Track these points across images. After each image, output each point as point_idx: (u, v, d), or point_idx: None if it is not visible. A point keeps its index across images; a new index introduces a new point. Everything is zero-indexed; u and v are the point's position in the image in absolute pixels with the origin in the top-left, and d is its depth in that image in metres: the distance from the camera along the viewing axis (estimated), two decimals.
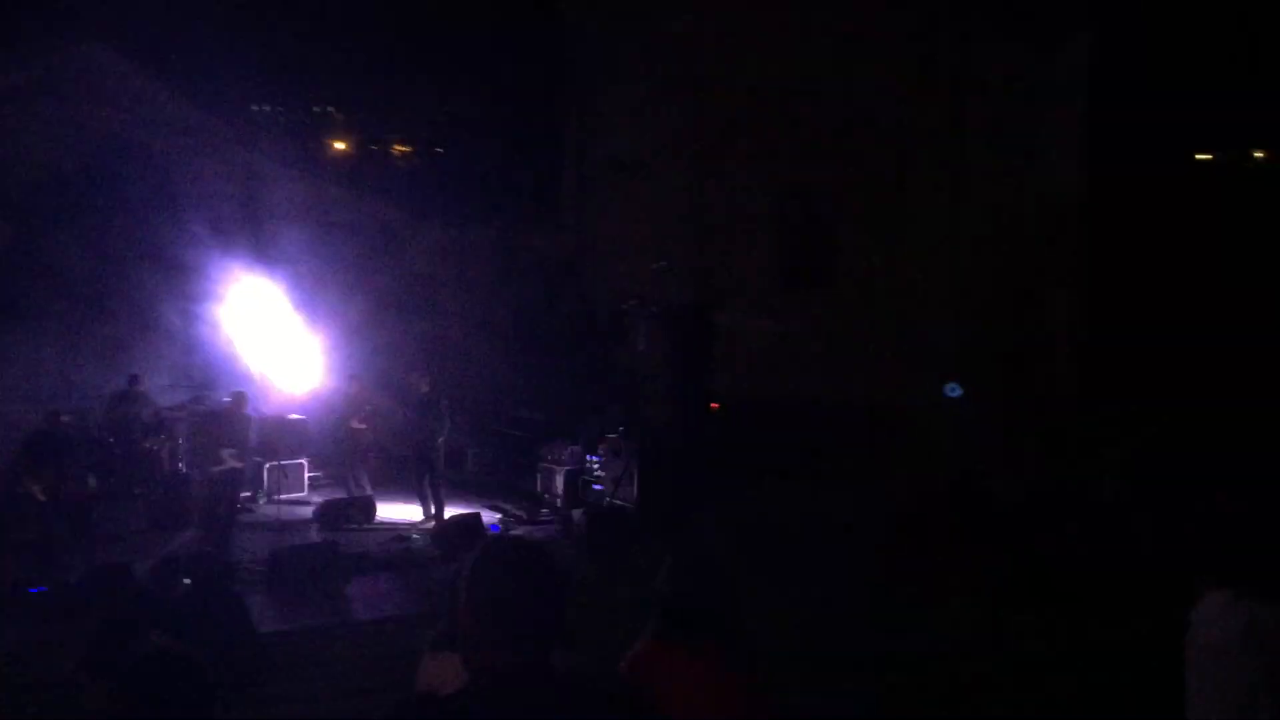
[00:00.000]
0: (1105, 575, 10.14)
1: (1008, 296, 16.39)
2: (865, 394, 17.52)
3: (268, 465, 14.42)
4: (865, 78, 17.58)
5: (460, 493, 14.49)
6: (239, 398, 12.63)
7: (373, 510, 13.62)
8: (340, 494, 14.02)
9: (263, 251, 17.06)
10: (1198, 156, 15.56)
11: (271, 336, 16.62)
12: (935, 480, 13.41)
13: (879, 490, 12.90)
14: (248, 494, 13.33)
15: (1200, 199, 14.18)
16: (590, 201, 19.83)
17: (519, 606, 2.47)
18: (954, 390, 15.81)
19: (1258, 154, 15.74)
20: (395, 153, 28.62)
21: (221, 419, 12.30)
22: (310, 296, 17.97)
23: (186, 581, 7.63)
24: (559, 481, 14.40)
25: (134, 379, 14.02)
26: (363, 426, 14.19)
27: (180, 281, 16.03)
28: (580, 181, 20.08)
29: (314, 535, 12.62)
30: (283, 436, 14.87)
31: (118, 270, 15.76)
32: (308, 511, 13.68)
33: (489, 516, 12.82)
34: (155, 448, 13.52)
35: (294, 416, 15.98)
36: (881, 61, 17.39)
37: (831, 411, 17.47)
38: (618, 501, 13.40)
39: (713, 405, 15.28)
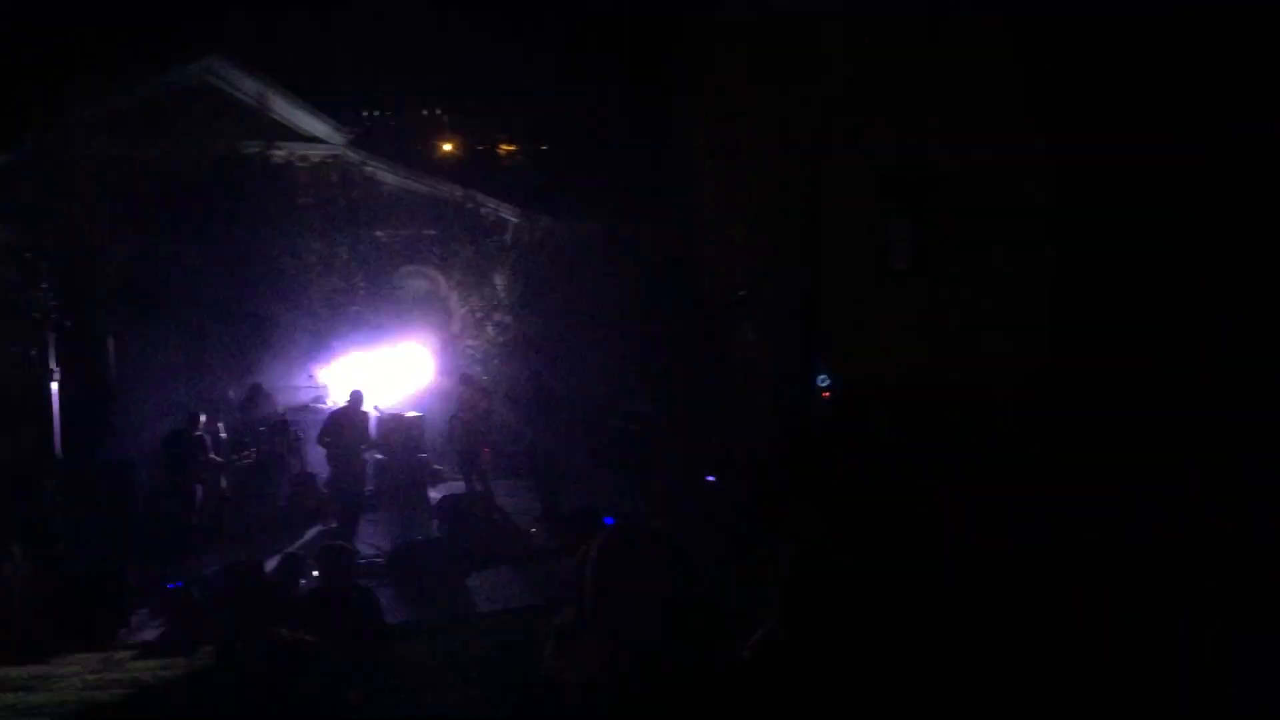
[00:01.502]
0: None
1: None
2: (984, 381, 17.12)
3: (387, 462, 14.73)
4: (976, 57, 17.15)
5: (575, 487, 14.58)
6: (357, 397, 12.93)
7: (491, 504, 13.82)
8: (459, 489, 14.24)
9: (373, 253, 17.47)
10: None
11: (388, 336, 17.03)
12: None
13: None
14: (369, 490, 13.64)
15: None
16: (696, 191, 19.76)
17: (647, 594, 2.44)
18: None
19: None
20: (501, 151, 29.05)
21: (341, 418, 12.60)
22: (426, 296, 18.35)
23: (314, 575, 7.83)
24: (674, 473, 14.35)
25: (255, 387, 14.49)
26: (477, 420, 14.36)
27: (298, 286, 16.52)
28: (686, 171, 20.02)
29: (434, 530, 12.85)
30: (401, 433, 15.15)
31: (242, 277, 16.27)
32: (429, 506, 13.94)
33: (604, 511, 12.86)
34: (280, 448, 13.92)
35: (411, 414, 16.28)
36: (988, 38, 16.93)
37: (948, 399, 17.12)
38: (731, 493, 13.31)
39: (824, 394, 15.09)
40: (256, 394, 14.51)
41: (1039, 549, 9.20)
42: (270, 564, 9.56)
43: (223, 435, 13.63)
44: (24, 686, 8.07)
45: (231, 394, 14.56)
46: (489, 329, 18.31)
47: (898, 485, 12.15)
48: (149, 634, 9.75)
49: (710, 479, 14.02)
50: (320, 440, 12.97)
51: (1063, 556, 8.59)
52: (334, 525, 12.15)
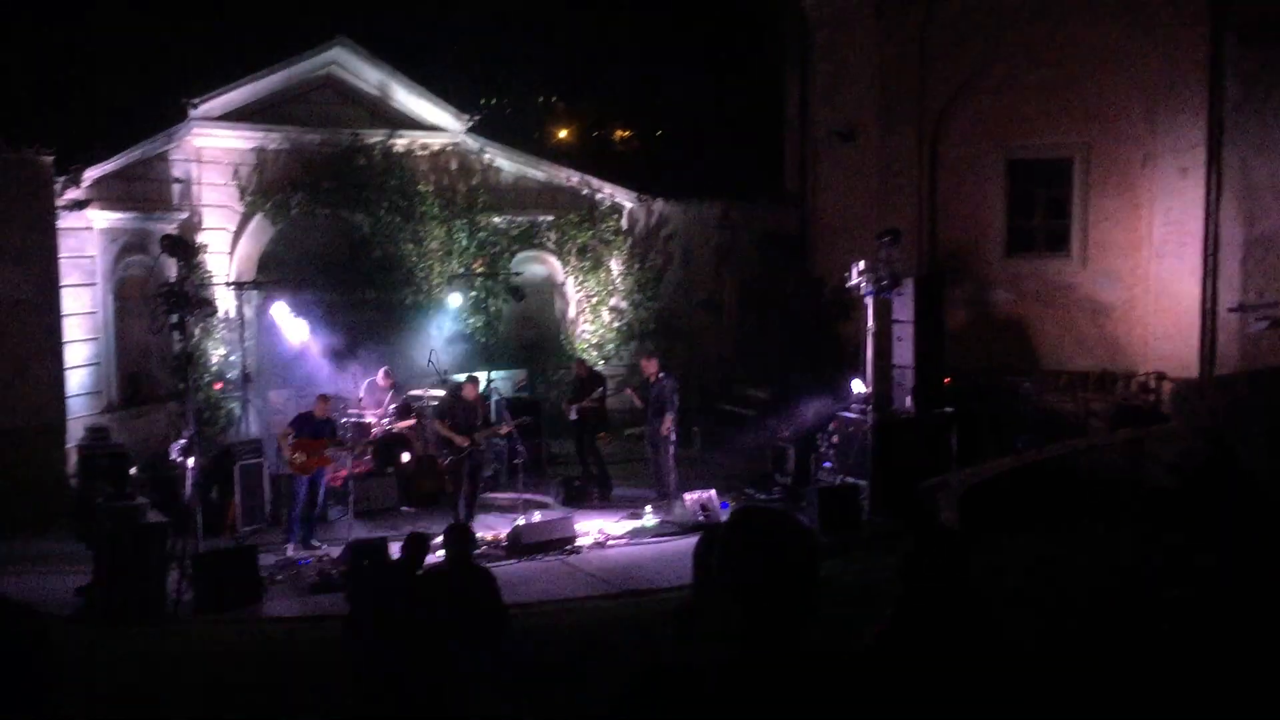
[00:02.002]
0: None
1: None
2: (1111, 365, 16.59)
3: (505, 446, 14.95)
4: (1107, 34, 16.59)
5: (689, 471, 14.58)
6: (473, 382, 13.15)
7: (608, 488, 13.93)
8: (576, 473, 14.38)
9: (491, 238, 17.71)
10: None
11: (505, 321, 17.30)
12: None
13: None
14: (488, 473, 13.87)
15: None
16: (814, 174, 19.53)
17: (772, 577, 2.41)
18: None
19: None
20: (616, 136, 29.17)
21: (458, 402, 12.82)
22: (542, 281, 18.54)
23: (438, 555, 7.99)
24: (790, 458, 14.25)
25: (387, 371, 14.87)
26: (592, 405, 14.47)
27: (419, 272, 16.86)
28: (803, 154, 19.79)
29: (553, 513, 13.01)
30: (518, 418, 15.35)
31: (365, 263, 16.70)
32: (546, 489, 14.12)
33: (720, 495, 12.85)
34: (405, 431, 14.26)
35: (526, 397, 16.51)
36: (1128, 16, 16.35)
37: (1072, 383, 16.64)
38: (850, 479, 13.16)
39: (945, 380, 14.77)
40: (383, 379, 14.86)
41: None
42: (394, 543, 9.81)
43: (346, 419, 14.00)
44: (171, 651, 8.46)
45: (364, 379, 14.95)
46: (604, 314, 18.42)
47: (1028, 476, 11.84)
48: (279, 607, 10.10)
49: (826, 464, 13.89)
50: (438, 424, 13.24)
51: None
52: (453, 506, 12.37)
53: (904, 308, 14.42)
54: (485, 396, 13.19)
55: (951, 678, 3.57)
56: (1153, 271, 16.54)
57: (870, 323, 14.12)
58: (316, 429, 11.97)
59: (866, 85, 18.03)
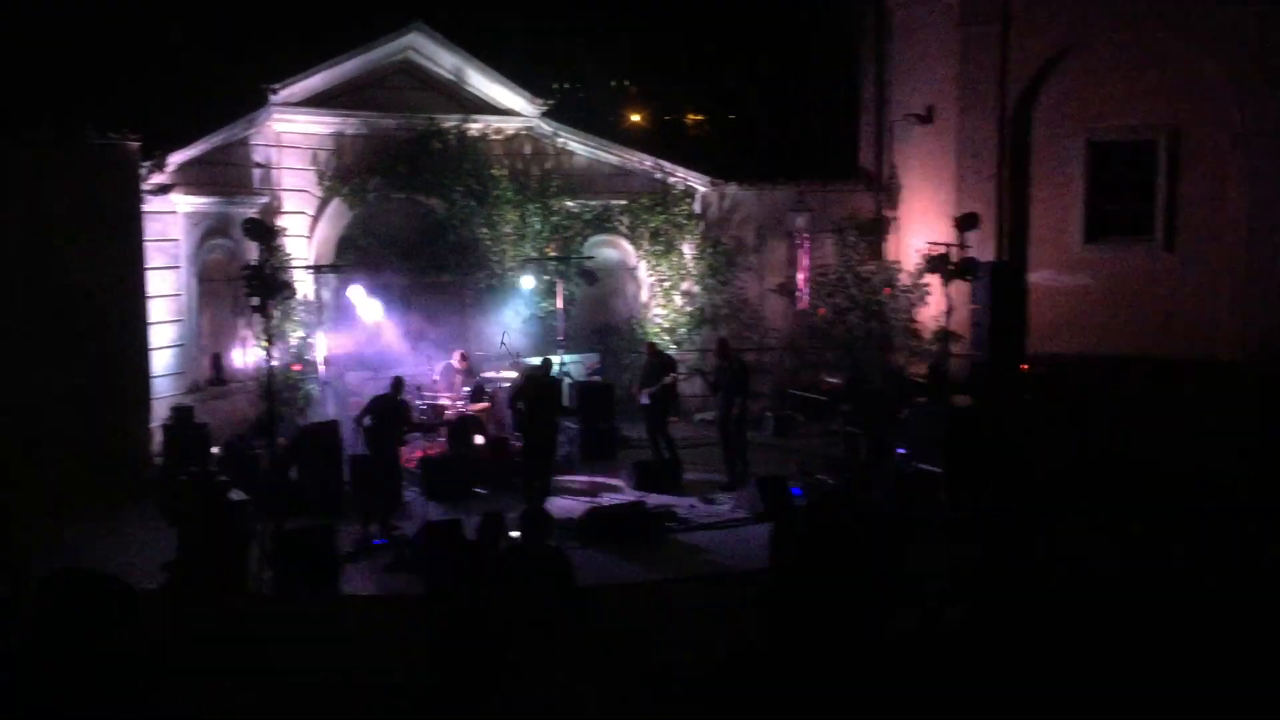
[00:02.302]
0: None
1: None
2: (1195, 352, 16.13)
3: (577, 429, 15.03)
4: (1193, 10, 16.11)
5: (761, 456, 14.51)
6: (545, 364, 13.23)
7: (680, 472, 13.90)
8: (647, 457, 14.38)
9: (564, 222, 17.76)
10: None
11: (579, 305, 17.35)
12: None
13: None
14: (561, 455, 13.93)
15: None
16: (889, 157, 19.25)
17: (849, 565, 2.38)
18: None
19: None
20: (689, 120, 29.05)
21: (528, 385, 12.89)
22: (615, 265, 18.55)
23: (514, 535, 8.04)
24: (864, 445, 14.10)
25: (463, 354, 15.05)
26: (665, 389, 14.44)
27: (493, 256, 16.97)
28: (878, 136, 19.52)
29: (624, 496, 13.03)
30: (591, 401, 15.42)
31: (441, 247, 16.86)
32: (618, 474, 14.14)
33: (792, 481, 12.75)
34: (479, 413, 14.40)
35: (600, 381, 16.56)
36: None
37: (1156, 370, 16.22)
38: (924, 467, 12.98)
39: (1023, 366, 14.52)
40: (458, 362, 14.99)
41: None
42: (469, 523, 9.88)
43: (422, 402, 14.16)
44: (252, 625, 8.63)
45: (429, 359, 15.11)
46: (676, 298, 18.38)
47: (1109, 465, 11.58)
48: (356, 586, 10.25)
49: (901, 451, 13.71)
50: (511, 406, 13.32)
51: None
52: (524, 488, 12.44)
53: (981, 293, 14.19)
54: (550, 378, 13.15)
55: (1032, 658, 3.52)
56: (1241, 256, 16.06)
57: (946, 308, 13.91)
58: (391, 410, 12.11)
59: (945, 66, 17.71)
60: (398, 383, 12.45)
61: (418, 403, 14.09)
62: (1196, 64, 16.30)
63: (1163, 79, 16.49)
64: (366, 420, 11.87)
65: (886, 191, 19.22)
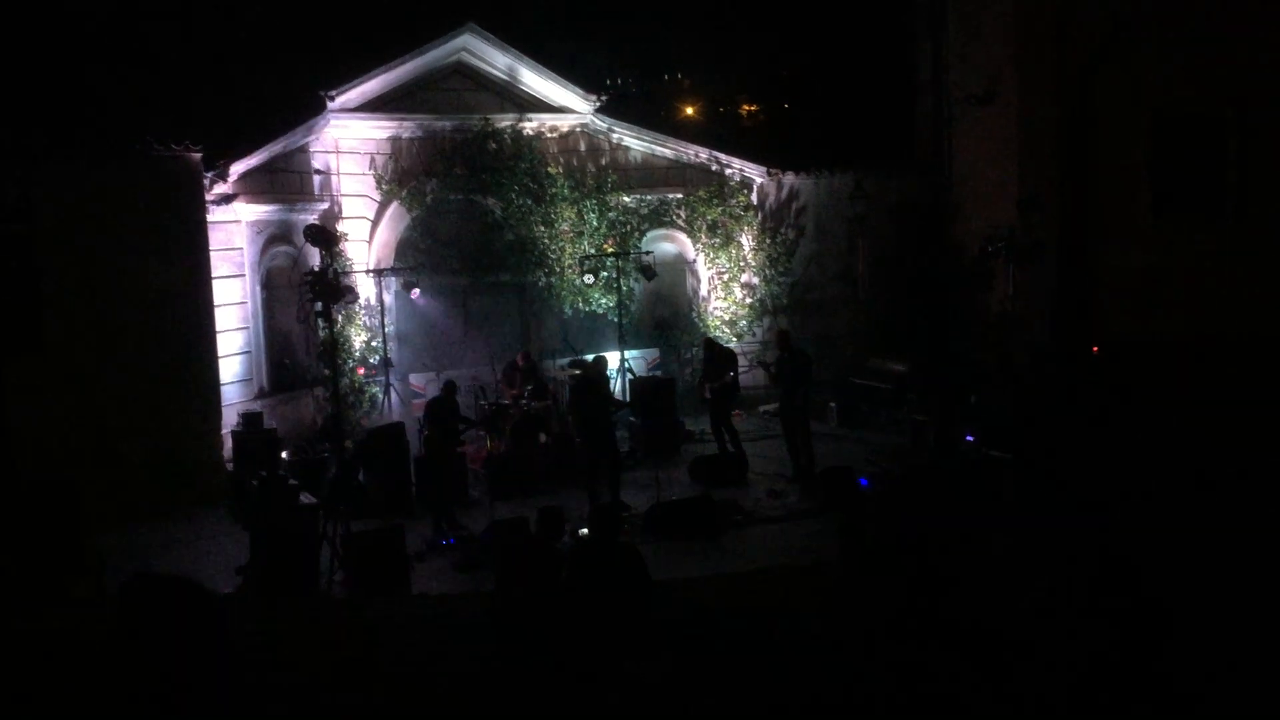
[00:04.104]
0: None
1: None
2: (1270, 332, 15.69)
3: (639, 424, 15.04)
4: None
5: (825, 447, 14.39)
6: (596, 362, 13.25)
7: (744, 465, 13.84)
8: (711, 451, 14.34)
9: (621, 217, 17.75)
10: None
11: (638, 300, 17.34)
12: None
13: None
14: (625, 450, 13.93)
15: None
16: (949, 139, 18.97)
17: (921, 553, 2.34)
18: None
19: None
20: (744, 111, 28.90)
21: (587, 383, 12.90)
22: (674, 259, 18.51)
23: (583, 532, 8.04)
24: (930, 433, 13.93)
25: (526, 353, 15.16)
26: (727, 383, 14.37)
27: (551, 254, 17.02)
28: (936, 119, 19.25)
29: (689, 490, 13.00)
30: (653, 396, 15.42)
31: (498, 246, 16.94)
32: (681, 467, 14.12)
33: (858, 471, 12.63)
34: (542, 411, 14.46)
35: (662, 376, 16.54)
36: None
37: (1231, 352, 15.80)
38: (994, 453, 12.77)
39: (1093, 349, 14.24)
40: (520, 360, 15.08)
41: None
42: (533, 520, 9.91)
43: (485, 402, 14.26)
44: (326, 627, 8.74)
45: (491, 359, 15.21)
46: (736, 291, 18.30)
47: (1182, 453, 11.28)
48: (426, 586, 10.33)
49: (969, 439, 13.51)
50: (570, 405, 13.35)
51: None
52: (589, 484, 12.45)
53: (1046, 276, 13.94)
54: (601, 376, 13.15)
55: (1118, 647, 3.44)
56: None
57: (1011, 292, 13.70)
58: (447, 413, 12.23)
59: (1004, 44, 17.39)
60: (449, 386, 12.59)
61: (481, 403, 14.20)
62: (1263, 37, 15.83)
63: (1229, 54, 16.02)
64: (425, 429, 12.04)
65: (946, 174, 18.95)
